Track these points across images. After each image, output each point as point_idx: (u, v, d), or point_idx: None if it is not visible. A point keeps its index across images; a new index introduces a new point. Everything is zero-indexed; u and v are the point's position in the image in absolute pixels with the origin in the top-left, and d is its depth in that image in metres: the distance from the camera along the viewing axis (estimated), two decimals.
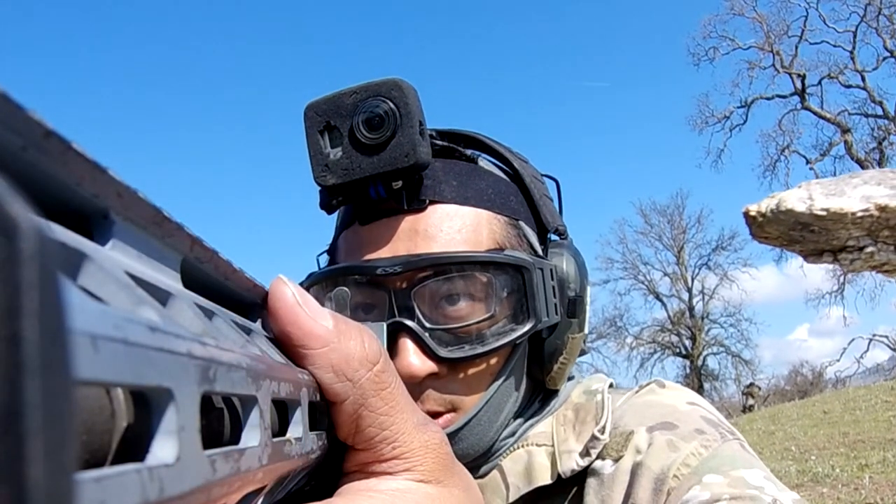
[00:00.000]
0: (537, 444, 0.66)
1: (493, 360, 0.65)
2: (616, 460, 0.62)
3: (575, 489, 0.64)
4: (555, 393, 0.72)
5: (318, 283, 0.66)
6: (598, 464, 0.63)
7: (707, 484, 0.55)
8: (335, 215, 0.73)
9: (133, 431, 0.13)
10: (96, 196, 0.13)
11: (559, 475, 0.63)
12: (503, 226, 0.67)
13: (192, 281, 0.18)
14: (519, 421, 0.70)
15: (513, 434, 0.69)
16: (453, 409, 0.63)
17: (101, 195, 0.13)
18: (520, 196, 0.70)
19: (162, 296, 0.15)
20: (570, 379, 0.74)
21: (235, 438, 0.17)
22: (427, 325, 0.62)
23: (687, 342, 21.04)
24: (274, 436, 0.19)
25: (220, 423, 0.17)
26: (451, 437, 0.63)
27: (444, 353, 0.62)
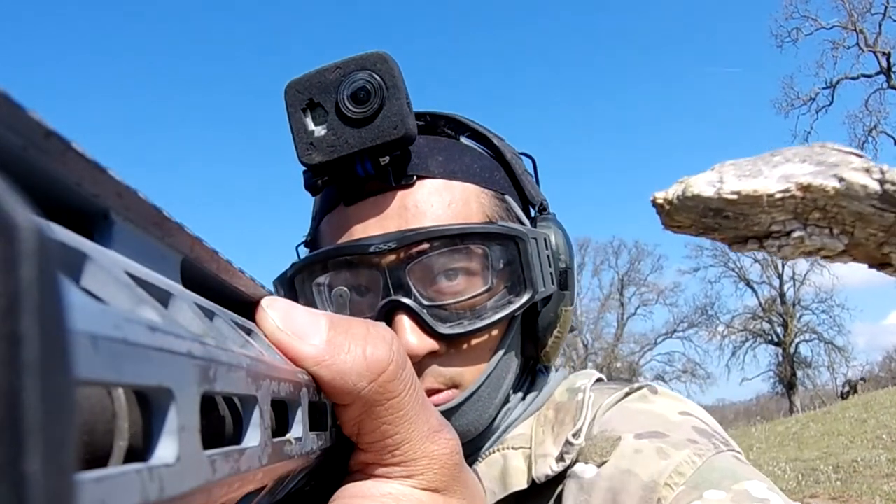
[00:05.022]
0: (514, 448, 0.65)
1: (493, 334, 0.64)
2: (599, 465, 0.60)
3: (554, 493, 0.62)
4: (544, 374, 0.72)
5: (304, 271, 0.64)
6: (579, 468, 0.61)
7: (709, 500, 0.53)
8: (311, 203, 0.72)
9: (133, 431, 0.13)
10: (96, 196, 0.13)
11: (534, 480, 0.61)
12: (491, 199, 0.66)
13: (192, 281, 0.18)
14: (518, 396, 0.69)
15: (510, 412, 0.68)
16: (454, 386, 0.63)
17: (101, 195, 0.13)
18: (503, 172, 0.70)
19: (162, 296, 0.15)
20: (553, 375, 0.73)
21: (235, 438, 0.17)
22: (424, 302, 0.61)
23: (779, 329, 20.61)
24: (274, 436, 0.19)
25: (220, 423, 0.17)
26: (452, 412, 0.62)
27: (443, 329, 0.61)
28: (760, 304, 20.85)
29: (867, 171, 0.29)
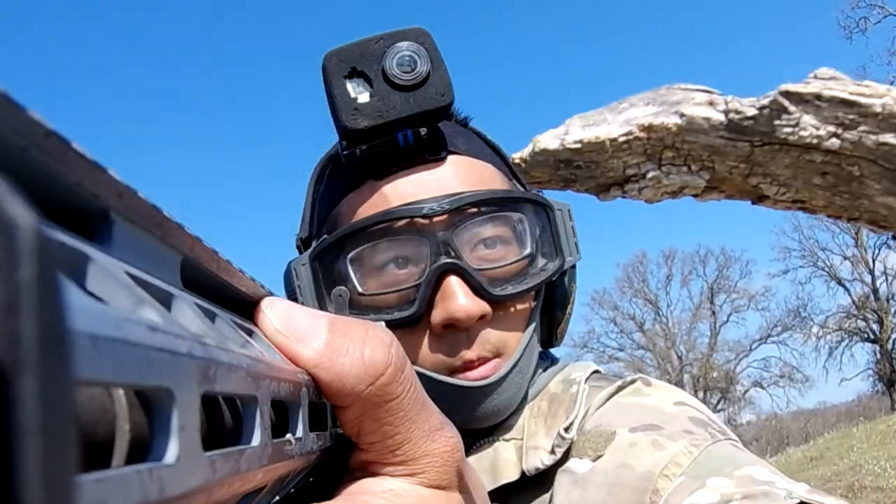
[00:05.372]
0: (504, 439, 0.65)
1: (529, 303, 0.65)
2: (594, 459, 0.59)
3: (545, 488, 0.61)
4: (544, 362, 0.72)
5: (337, 245, 0.63)
6: (572, 463, 0.60)
7: (713, 487, 0.52)
8: (302, 201, 0.72)
9: (133, 432, 0.13)
10: (96, 196, 0.13)
11: (524, 472, 0.61)
12: (506, 180, 0.69)
13: (192, 281, 0.18)
14: (540, 373, 0.69)
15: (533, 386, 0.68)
16: (498, 355, 0.63)
17: (101, 195, 0.13)
18: (501, 158, 0.72)
19: (162, 296, 0.15)
20: (553, 364, 0.73)
21: (235, 439, 0.17)
22: (473, 265, 0.61)
23: (874, 326, 19.92)
24: (274, 436, 0.19)
25: (220, 423, 0.17)
26: (499, 384, 0.62)
27: (495, 291, 0.61)
28: (854, 301, 20.19)
29: (711, 104, 0.30)
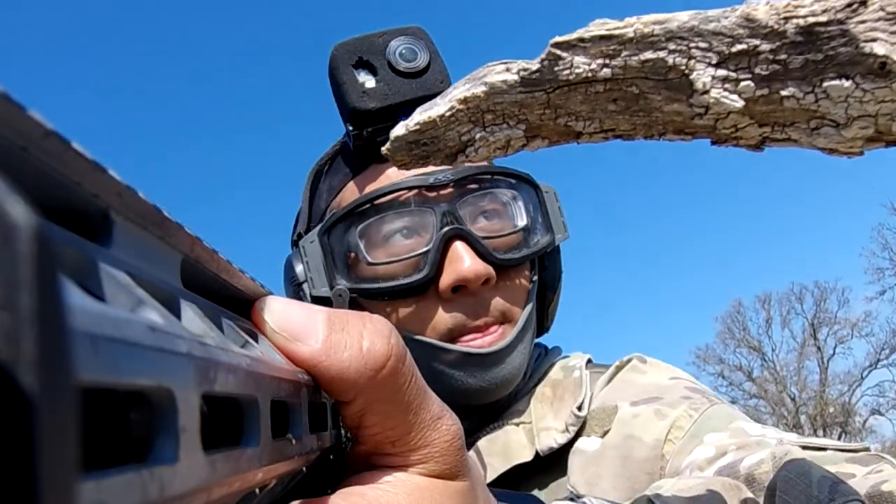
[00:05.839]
0: (514, 423, 0.66)
1: (528, 278, 0.69)
2: (602, 435, 0.61)
3: (560, 468, 0.63)
4: (537, 349, 0.74)
5: (346, 218, 0.66)
6: (581, 442, 0.62)
7: (709, 442, 0.55)
8: (300, 201, 0.75)
9: (133, 432, 0.13)
10: (96, 196, 0.13)
11: (538, 453, 0.63)
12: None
13: (192, 281, 0.18)
14: (540, 358, 0.72)
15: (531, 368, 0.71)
16: (504, 322, 0.66)
17: (101, 195, 0.13)
18: None
19: (162, 296, 0.15)
20: (548, 353, 0.75)
21: (236, 439, 0.17)
22: (476, 233, 0.65)
23: None
24: (274, 436, 0.19)
25: (220, 423, 0.17)
26: (508, 352, 0.64)
27: (500, 255, 0.65)
28: None
29: (507, 69, 0.35)
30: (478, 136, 0.36)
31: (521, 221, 0.69)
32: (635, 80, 0.33)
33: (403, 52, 0.65)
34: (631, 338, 26.59)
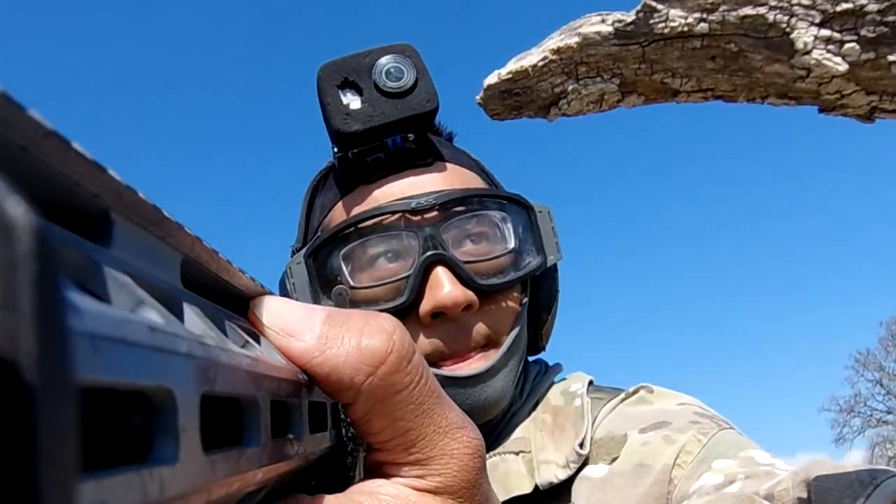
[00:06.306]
0: (513, 452, 0.66)
1: (517, 300, 0.68)
2: (610, 462, 0.61)
3: (560, 499, 0.62)
4: (533, 370, 0.74)
5: (331, 242, 0.66)
6: (588, 470, 0.62)
7: (717, 469, 0.55)
8: (299, 214, 0.75)
9: (133, 432, 0.13)
10: (96, 196, 0.13)
11: (537, 486, 0.62)
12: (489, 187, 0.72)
13: (192, 281, 0.18)
14: (516, 391, 0.70)
15: (512, 406, 0.69)
16: (488, 346, 0.65)
17: (101, 195, 0.13)
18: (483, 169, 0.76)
19: (162, 296, 0.15)
20: (547, 372, 0.74)
21: (236, 439, 0.17)
22: (459, 258, 0.64)
23: None
24: (274, 436, 0.19)
25: (220, 423, 0.17)
26: (492, 374, 0.64)
27: (482, 281, 0.64)
28: None
29: (602, 21, 0.34)
30: (570, 88, 0.35)
31: (510, 244, 0.68)
32: (734, 36, 0.32)
33: (391, 70, 0.64)
34: (790, 334, 25.89)
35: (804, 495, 0.42)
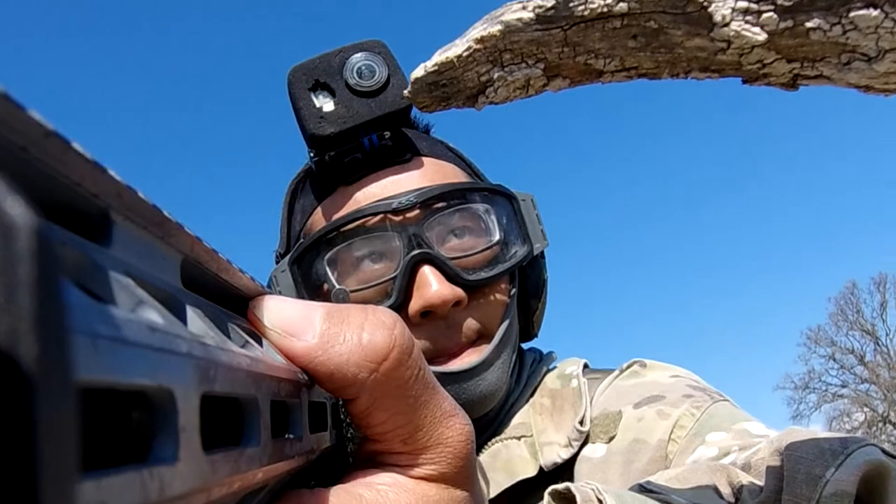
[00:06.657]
0: (515, 437, 0.66)
1: (505, 291, 0.68)
2: (608, 441, 0.61)
3: (561, 480, 0.63)
4: (529, 357, 0.74)
5: (314, 247, 0.66)
6: (587, 450, 0.62)
7: (712, 442, 0.55)
8: (280, 215, 0.74)
9: (133, 432, 0.13)
10: (96, 196, 0.13)
11: (541, 468, 0.62)
12: (470, 178, 0.72)
13: (192, 281, 0.18)
14: (513, 379, 0.70)
15: (510, 394, 0.70)
16: (479, 340, 0.65)
17: (101, 195, 0.13)
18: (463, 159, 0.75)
19: (162, 296, 0.15)
20: (542, 360, 0.75)
21: (236, 439, 0.17)
22: (445, 255, 0.64)
23: None
24: (274, 436, 0.19)
25: (220, 423, 0.17)
26: (485, 368, 0.64)
27: (469, 276, 0.64)
28: None
29: (523, 7, 0.33)
30: (496, 75, 0.35)
31: (495, 236, 0.67)
32: (653, 14, 0.32)
33: (362, 69, 0.63)
34: (739, 313, 26.00)
35: (778, 464, 0.42)
